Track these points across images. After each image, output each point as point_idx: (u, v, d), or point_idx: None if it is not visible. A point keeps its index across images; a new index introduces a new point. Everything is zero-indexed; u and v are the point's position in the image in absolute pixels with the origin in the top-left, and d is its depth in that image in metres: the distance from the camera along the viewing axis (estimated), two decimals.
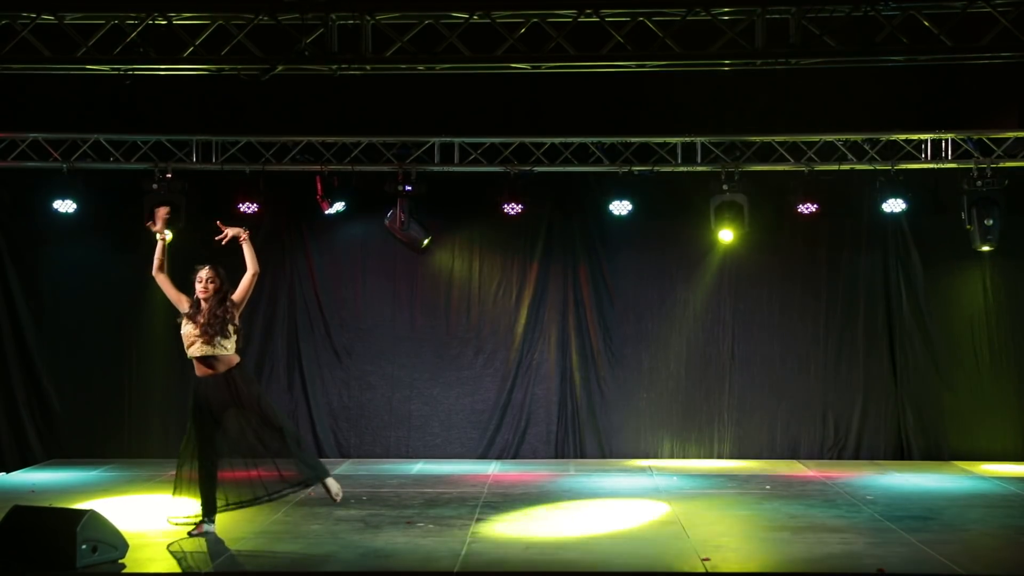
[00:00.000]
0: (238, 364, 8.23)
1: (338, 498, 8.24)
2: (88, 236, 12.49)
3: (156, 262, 8.27)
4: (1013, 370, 12.37)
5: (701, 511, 9.35)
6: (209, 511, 8.16)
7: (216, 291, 8.18)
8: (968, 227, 11.85)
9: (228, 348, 8.15)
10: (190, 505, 8.19)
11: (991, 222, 11.68)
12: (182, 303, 8.24)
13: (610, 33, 9.13)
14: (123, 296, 12.60)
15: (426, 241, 12.47)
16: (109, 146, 12.03)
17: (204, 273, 8.21)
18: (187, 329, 8.17)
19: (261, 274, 12.30)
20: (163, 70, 9.57)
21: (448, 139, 12.10)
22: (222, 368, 8.14)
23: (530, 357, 12.69)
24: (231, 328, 8.16)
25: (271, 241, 12.70)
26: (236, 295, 8.24)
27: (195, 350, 8.15)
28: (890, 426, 12.47)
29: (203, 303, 8.17)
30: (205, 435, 8.17)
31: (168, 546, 7.91)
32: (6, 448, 12.18)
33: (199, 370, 8.18)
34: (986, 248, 11.94)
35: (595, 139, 12.08)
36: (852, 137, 11.92)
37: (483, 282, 12.69)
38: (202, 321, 8.11)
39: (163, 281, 8.29)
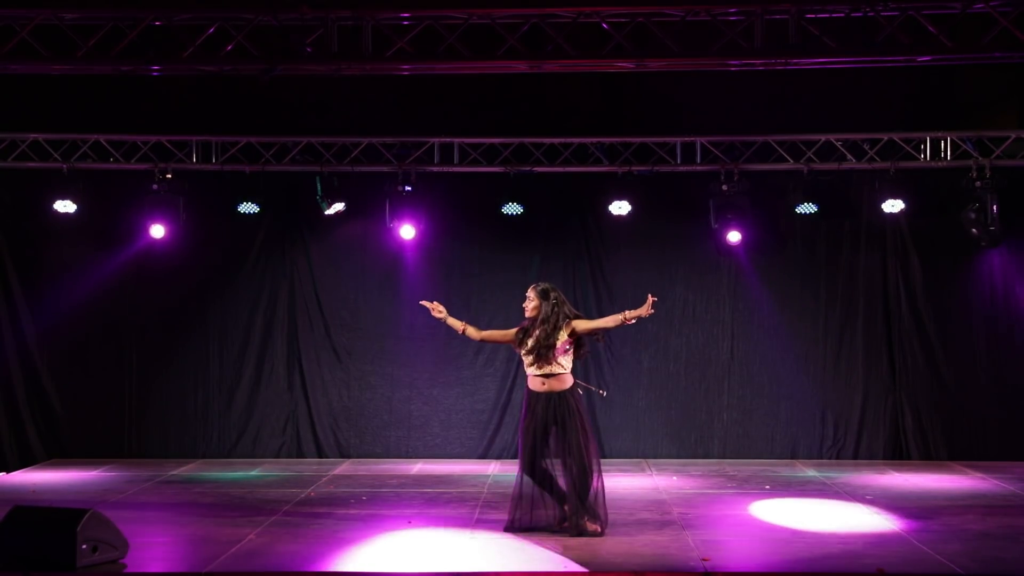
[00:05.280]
0: (573, 385, 8.47)
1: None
2: (88, 236, 12.50)
3: (471, 334, 8.63)
4: (1012, 370, 12.37)
5: (701, 511, 9.36)
6: (563, 498, 8.37)
7: (538, 311, 8.42)
8: (966, 227, 11.85)
9: (564, 367, 8.40)
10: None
11: (989, 222, 11.68)
12: (511, 336, 8.57)
13: (610, 33, 9.14)
14: (123, 296, 12.62)
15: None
16: (109, 146, 12.04)
17: (528, 292, 8.53)
18: (523, 349, 8.45)
19: (262, 274, 12.62)
20: (163, 70, 9.59)
21: (448, 139, 12.11)
22: (556, 387, 8.40)
23: None
24: (563, 351, 8.39)
25: (271, 241, 12.73)
26: (580, 326, 8.47)
27: (530, 369, 8.43)
28: (889, 426, 12.47)
29: (533, 325, 8.43)
30: (537, 447, 8.37)
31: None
32: (6, 448, 12.18)
33: (533, 384, 8.44)
34: (985, 248, 11.95)
35: (595, 139, 12.09)
36: (852, 137, 11.93)
37: (483, 282, 12.67)
38: (532, 344, 8.38)
39: (485, 335, 8.73)
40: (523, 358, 8.51)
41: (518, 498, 8.45)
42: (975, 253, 12.19)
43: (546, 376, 8.38)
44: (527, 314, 8.48)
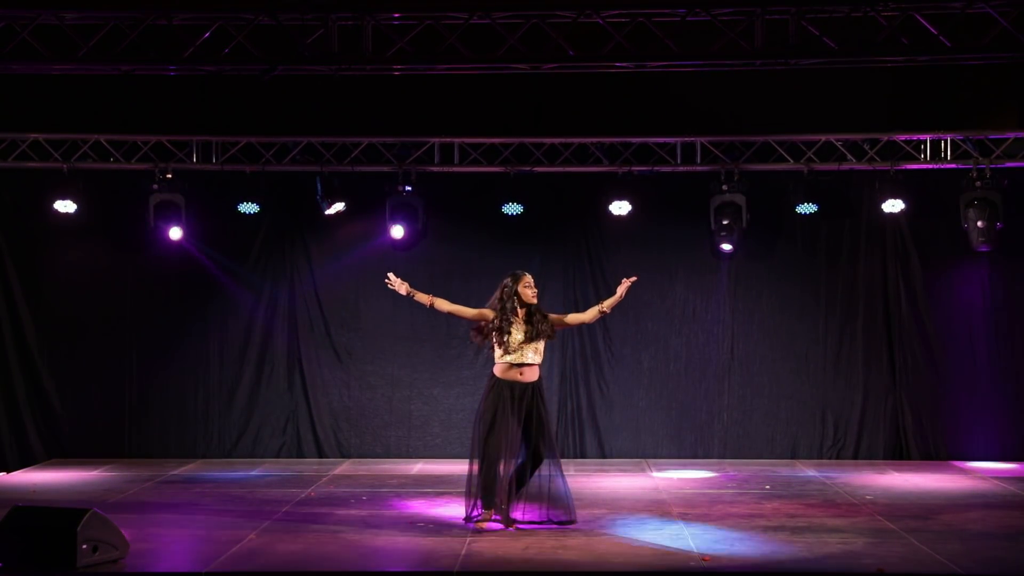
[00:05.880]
0: (540, 379, 8.51)
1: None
2: (88, 236, 12.51)
3: (440, 306, 8.63)
4: (1012, 370, 12.36)
5: (701, 511, 9.35)
6: (491, 504, 8.41)
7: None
8: (966, 227, 11.85)
9: (539, 360, 8.44)
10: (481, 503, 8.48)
11: (990, 223, 11.67)
12: (480, 313, 8.55)
13: (610, 33, 9.14)
14: (123, 296, 12.62)
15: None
16: (109, 146, 12.05)
17: (533, 280, 8.57)
18: (512, 336, 8.37)
19: (263, 274, 12.63)
20: (163, 70, 9.58)
21: (448, 139, 12.11)
22: (531, 377, 8.42)
23: None
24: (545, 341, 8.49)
25: (271, 241, 12.73)
26: (569, 318, 8.73)
27: (515, 357, 8.38)
28: (889, 426, 12.47)
29: (522, 311, 8.45)
30: (504, 434, 8.31)
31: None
32: (6, 448, 12.18)
33: (509, 374, 8.41)
34: (985, 248, 11.96)
35: (595, 139, 12.09)
36: (852, 137, 11.93)
37: (483, 282, 12.63)
38: (522, 334, 8.38)
39: (453, 309, 8.65)
40: (500, 346, 8.40)
41: (487, 487, 8.40)
42: (975, 252, 12.17)
43: (523, 365, 8.39)
44: (535, 301, 8.50)
